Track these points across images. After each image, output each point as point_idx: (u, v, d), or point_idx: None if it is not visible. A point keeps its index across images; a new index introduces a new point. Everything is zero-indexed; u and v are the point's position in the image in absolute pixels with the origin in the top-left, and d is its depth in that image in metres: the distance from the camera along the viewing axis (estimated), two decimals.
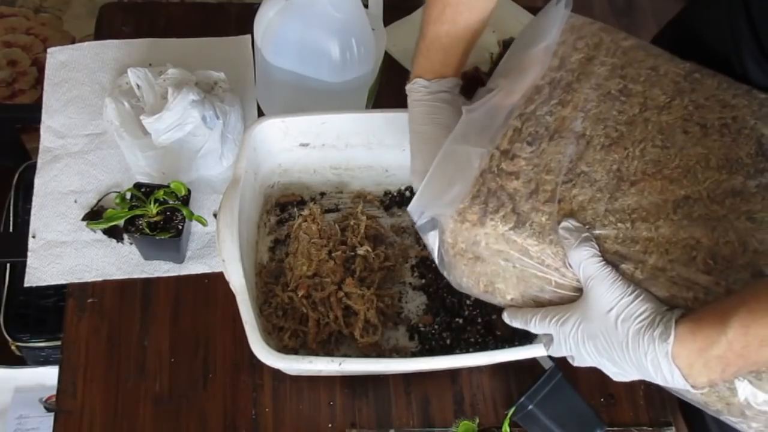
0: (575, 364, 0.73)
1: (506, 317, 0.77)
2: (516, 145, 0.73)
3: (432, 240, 0.78)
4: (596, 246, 0.68)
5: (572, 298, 0.71)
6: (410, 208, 0.77)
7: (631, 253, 0.68)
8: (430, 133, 0.84)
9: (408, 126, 0.87)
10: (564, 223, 0.69)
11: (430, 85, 0.84)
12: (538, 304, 0.74)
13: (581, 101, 0.76)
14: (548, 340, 0.74)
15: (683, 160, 0.72)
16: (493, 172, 0.72)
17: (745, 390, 0.65)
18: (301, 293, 0.93)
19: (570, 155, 0.72)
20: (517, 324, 0.76)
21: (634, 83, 0.77)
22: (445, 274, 0.80)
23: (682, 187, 0.71)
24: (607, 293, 0.66)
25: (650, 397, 0.99)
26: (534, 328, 0.74)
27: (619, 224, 0.69)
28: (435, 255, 0.79)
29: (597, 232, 0.69)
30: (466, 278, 0.77)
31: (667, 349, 0.62)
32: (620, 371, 0.70)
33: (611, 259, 0.68)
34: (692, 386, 0.63)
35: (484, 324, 0.97)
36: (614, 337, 0.66)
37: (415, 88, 0.84)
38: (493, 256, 0.73)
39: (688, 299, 0.66)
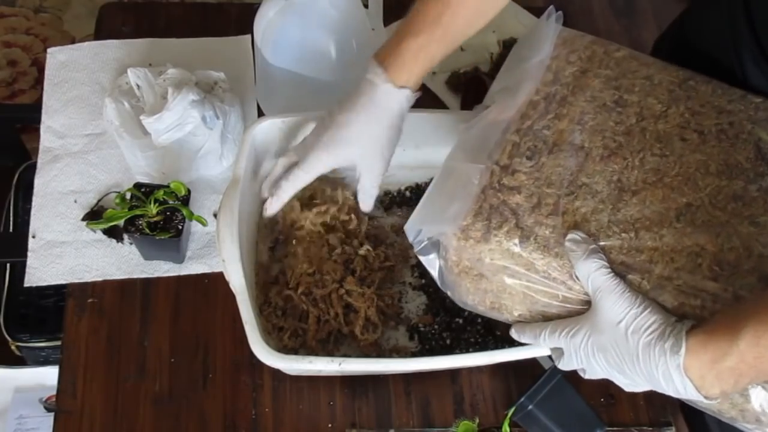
0: (586, 376, 0.73)
1: (514, 333, 0.77)
2: (515, 159, 0.74)
3: (431, 262, 0.77)
4: (604, 258, 0.68)
5: (580, 311, 0.71)
6: (407, 226, 0.77)
7: (637, 263, 0.68)
8: (365, 134, 0.83)
9: (351, 99, 0.84)
10: (571, 235, 0.69)
11: (410, 97, 0.83)
12: (546, 319, 0.74)
13: (577, 114, 0.76)
14: (558, 353, 0.74)
15: (683, 167, 0.73)
16: (494, 188, 0.72)
17: (758, 396, 0.65)
18: (300, 290, 0.93)
19: (570, 168, 0.73)
20: (525, 339, 0.76)
21: (629, 93, 0.78)
22: (448, 293, 0.80)
23: (683, 194, 0.71)
24: (616, 305, 0.66)
25: (650, 397, 0.99)
26: (544, 342, 0.73)
27: (623, 234, 0.69)
28: (435, 276, 0.79)
29: (602, 243, 0.69)
30: (471, 296, 0.77)
31: (679, 361, 0.62)
32: (631, 382, 0.69)
33: (617, 270, 0.68)
34: (705, 397, 0.62)
35: (484, 324, 0.97)
36: (624, 349, 0.66)
37: (395, 96, 0.82)
38: (497, 273, 0.72)
39: (696, 307, 0.66)
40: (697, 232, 0.68)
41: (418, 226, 0.76)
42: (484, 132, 0.78)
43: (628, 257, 0.68)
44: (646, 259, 0.68)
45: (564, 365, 0.74)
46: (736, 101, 0.77)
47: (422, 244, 0.77)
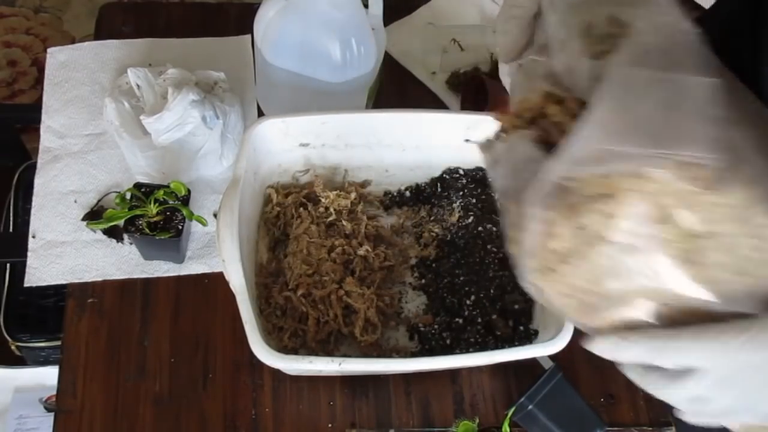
0: (693, 421, 0.50)
1: (606, 345, 0.49)
2: None
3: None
4: None
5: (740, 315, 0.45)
6: (583, 151, 0.43)
7: None
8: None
9: None
10: None
11: None
12: (684, 322, 0.47)
13: None
14: (665, 378, 0.49)
15: None
16: None
17: None
18: (300, 292, 0.93)
19: None
20: (629, 355, 0.49)
21: None
22: (523, 269, 0.49)
23: None
24: None
25: (650, 397, 0.99)
26: (670, 357, 0.47)
27: None
28: (528, 247, 0.48)
29: None
30: (578, 280, 0.47)
31: None
32: None
33: None
34: None
35: (484, 324, 0.96)
36: None
37: None
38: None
39: None
40: None
41: (604, 150, 0.42)
42: (665, 41, 0.47)
43: None
44: None
45: (691, 403, 0.48)
46: None
47: (547, 187, 0.44)
